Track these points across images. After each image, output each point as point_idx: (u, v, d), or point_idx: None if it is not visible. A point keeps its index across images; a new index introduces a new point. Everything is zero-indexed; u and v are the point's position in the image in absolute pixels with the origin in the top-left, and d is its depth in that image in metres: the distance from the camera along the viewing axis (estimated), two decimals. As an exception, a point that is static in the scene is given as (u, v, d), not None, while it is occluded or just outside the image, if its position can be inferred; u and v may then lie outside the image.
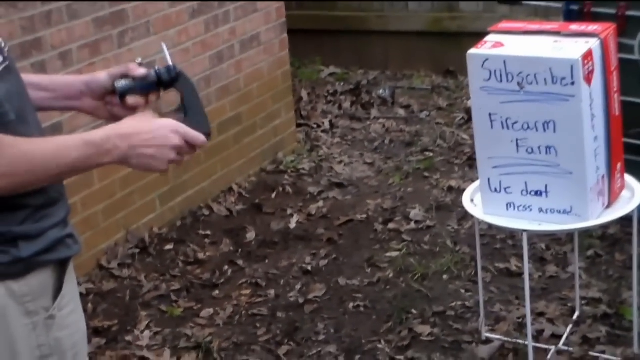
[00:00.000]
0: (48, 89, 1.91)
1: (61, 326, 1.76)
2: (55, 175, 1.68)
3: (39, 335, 1.71)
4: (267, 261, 4.13)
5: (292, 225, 4.43)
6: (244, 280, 3.98)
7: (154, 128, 1.73)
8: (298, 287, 3.88)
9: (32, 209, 1.69)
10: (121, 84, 1.84)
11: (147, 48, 4.22)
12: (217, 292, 3.90)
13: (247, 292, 3.89)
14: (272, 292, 3.86)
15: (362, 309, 3.69)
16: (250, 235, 4.36)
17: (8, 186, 1.62)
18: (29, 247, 1.68)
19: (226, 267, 4.08)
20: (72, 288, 1.83)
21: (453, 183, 4.72)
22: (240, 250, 4.24)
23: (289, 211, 4.57)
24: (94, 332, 3.56)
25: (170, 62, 1.85)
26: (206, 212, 4.60)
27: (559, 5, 4.10)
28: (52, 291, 1.74)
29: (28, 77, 1.86)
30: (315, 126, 5.71)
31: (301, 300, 3.77)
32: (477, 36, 2.87)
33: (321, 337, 3.52)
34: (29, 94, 1.79)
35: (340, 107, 6.02)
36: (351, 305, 3.71)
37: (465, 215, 4.14)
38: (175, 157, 1.75)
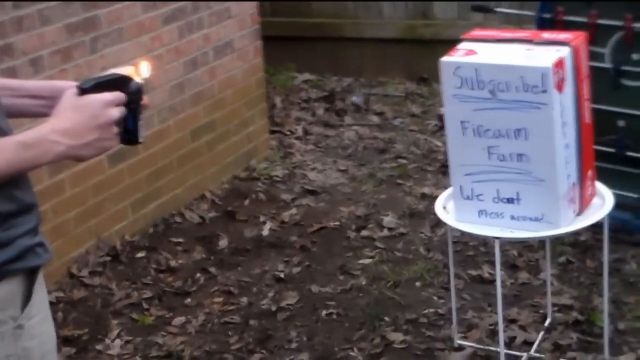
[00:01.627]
0: (43, 96, 1.86)
1: (30, 336, 1.74)
2: None
3: (7, 344, 1.69)
4: (239, 269, 4.12)
5: (265, 232, 4.42)
6: (216, 288, 3.96)
7: (88, 113, 1.67)
8: (271, 294, 3.87)
9: (1, 217, 1.67)
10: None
11: (119, 54, 4.20)
12: (189, 300, 3.88)
13: (220, 299, 3.87)
14: (244, 299, 3.85)
15: (334, 316, 3.68)
16: (223, 242, 4.34)
17: None
18: (-2, 255, 1.66)
19: (198, 275, 4.06)
20: (41, 297, 1.82)
21: (426, 190, 4.73)
22: (212, 257, 4.22)
23: (262, 218, 4.56)
24: (64, 341, 3.54)
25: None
26: (178, 220, 4.58)
27: (531, 13, 4.13)
28: (21, 300, 1.72)
29: (20, 84, 1.85)
30: (288, 133, 5.70)
31: (274, 308, 3.76)
32: (451, 43, 2.88)
33: (294, 345, 3.51)
34: (16, 102, 1.79)
35: (313, 114, 6.02)
36: (324, 312, 3.70)
37: (438, 223, 4.14)
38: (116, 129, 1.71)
